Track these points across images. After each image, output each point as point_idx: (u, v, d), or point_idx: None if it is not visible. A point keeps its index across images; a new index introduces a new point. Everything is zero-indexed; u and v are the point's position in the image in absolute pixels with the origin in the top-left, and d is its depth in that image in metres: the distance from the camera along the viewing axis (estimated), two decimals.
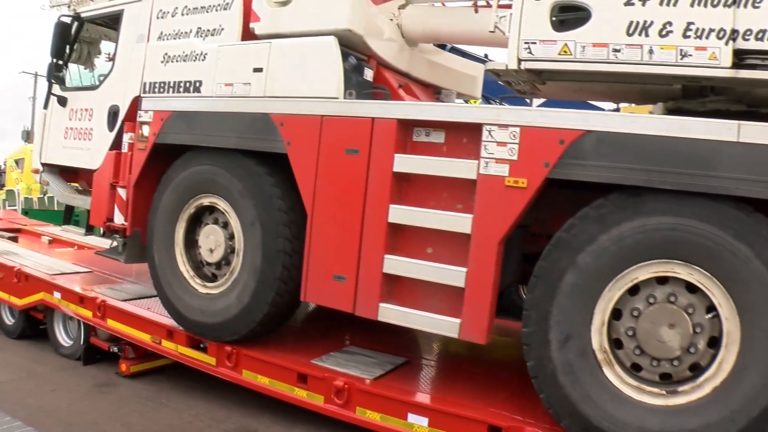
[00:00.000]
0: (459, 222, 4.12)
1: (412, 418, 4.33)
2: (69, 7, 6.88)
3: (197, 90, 5.26)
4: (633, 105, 7.63)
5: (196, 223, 5.37)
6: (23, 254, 8.00)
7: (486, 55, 8.59)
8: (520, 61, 4.13)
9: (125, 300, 6.13)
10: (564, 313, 3.81)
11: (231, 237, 5.08)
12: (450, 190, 4.26)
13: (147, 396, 5.77)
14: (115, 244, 6.08)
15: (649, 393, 3.70)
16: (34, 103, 36.68)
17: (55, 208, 16.36)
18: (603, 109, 6.80)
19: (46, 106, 6.87)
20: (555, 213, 4.41)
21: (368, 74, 4.86)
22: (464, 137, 4.24)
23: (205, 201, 5.20)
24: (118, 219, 5.80)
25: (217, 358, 5.25)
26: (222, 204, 5.08)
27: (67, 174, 6.88)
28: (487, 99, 7.65)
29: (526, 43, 4.10)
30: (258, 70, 4.88)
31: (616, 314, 3.78)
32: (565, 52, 4.03)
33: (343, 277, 4.48)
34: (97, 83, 6.39)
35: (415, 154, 4.35)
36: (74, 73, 6.89)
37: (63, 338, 6.98)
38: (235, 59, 5.07)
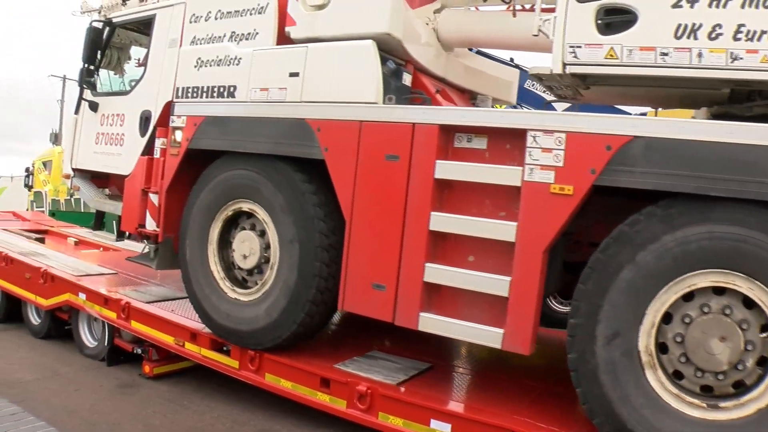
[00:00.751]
0: (503, 230, 4.03)
1: (435, 424, 4.29)
2: (99, 12, 6.89)
3: (231, 95, 5.21)
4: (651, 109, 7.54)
5: (231, 225, 5.32)
6: (50, 255, 8.13)
7: (511, 59, 8.49)
8: (564, 65, 4.05)
9: (149, 302, 6.17)
10: (615, 309, 3.70)
11: (267, 247, 5.04)
12: (493, 197, 4.17)
13: (169, 398, 5.81)
14: (146, 249, 6.04)
15: (688, 403, 3.60)
16: (62, 106, 37.13)
17: (82, 210, 16.59)
18: (628, 113, 6.70)
19: (77, 112, 6.88)
20: (598, 220, 4.33)
21: (407, 79, 4.79)
22: (507, 143, 4.15)
23: (244, 206, 5.14)
24: (150, 225, 5.77)
25: (240, 362, 5.26)
26: (261, 213, 5.02)
27: (98, 179, 6.88)
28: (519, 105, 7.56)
29: (571, 47, 4.02)
30: (294, 74, 4.83)
31: (666, 318, 3.67)
32: (611, 56, 3.95)
33: (383, 286, 4.41)
34: (129, 88, 6.37)
35: (456, 160, 4.27)
36: (105, 78, 6.88)
37: (87, 339, 7.06)
38: (270, 64, 5.02)
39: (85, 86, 6.58)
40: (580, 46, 4.00)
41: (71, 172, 6.89)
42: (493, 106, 6.04)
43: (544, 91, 12.24)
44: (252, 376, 5.18)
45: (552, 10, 4.17)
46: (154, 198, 5.73)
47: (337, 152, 4.60)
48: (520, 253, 3.97)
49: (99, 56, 6.61)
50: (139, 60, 7.20)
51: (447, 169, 4.22)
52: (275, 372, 5.06)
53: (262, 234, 5.06)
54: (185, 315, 5.88)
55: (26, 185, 19.05)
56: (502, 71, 6.18)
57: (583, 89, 4.41)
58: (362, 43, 4.57)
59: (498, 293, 4.03)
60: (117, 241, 6.88)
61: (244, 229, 5.18)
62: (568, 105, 6.24)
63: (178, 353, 5.77)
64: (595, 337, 3.75)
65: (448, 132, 4.30)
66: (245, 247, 5.12)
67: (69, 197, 17.05)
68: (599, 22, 3.96)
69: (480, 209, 4.22)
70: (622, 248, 3.71)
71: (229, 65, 5.25)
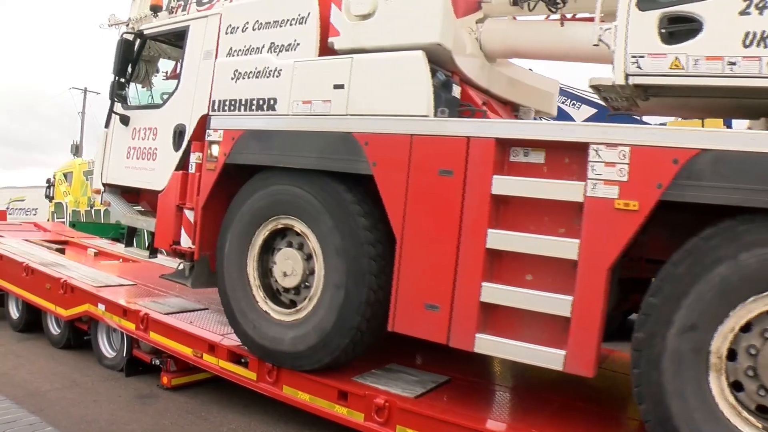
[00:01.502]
0: (565, 247, 3.87)
1: None
2: (128, 25, 6.79)
3: (272, 108, 5.08)
4: (678, 119, 7.36)
5: (271, 242, 5.18)
6: (70, 266, 8.23)
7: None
8: (627, 76, 3.90)
9: (168, 313, 6.16)
10: (700, 301, 3.52)
11: (310, 266, 4.89)
12: (551, 214, 4.01)
13: (187, 409, 5.80)
14: (180, 267, 5.90)
15: (743, 419, 3.44)
16: (83, 118, 38.10)
17: (102, 221, 16.80)
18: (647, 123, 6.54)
19: (107, 125, 6.76)
20: (656, 236, 4.18)
21: (456, 91, 4.64)
22: (566, 157, 4.00)
23: (286, 223, 5.00)
24: (185, 242, 5.63)
25: (257, 374, 5.22)
26: (304, 230, 4.88)
27: (128, 194, 6.75)
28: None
29: (633, 57, 3.87)
30: (339, 86, 4.69)
31: (745, 327, 3.49)
32: (676, 66, 3.80)
33: (436, 306, 4.25)
34: (161, 101, 6.24)
35: (512, 175, 4.11)
36: (134, 91, 6.77)
37: (106, 349, 7.10)
38: (313, 75, 4.89)
39: (116, 99, 6.45)
40: (643, 56, 3.85)
41: (101, 187, 6.77)
42: (535, 119, 5.91)
43: (563, 102, 12.13)
44: (270, 388, 5.15)
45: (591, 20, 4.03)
46: (189, 214, 5.60)
47: (387, 167, 4.45)
48: (584, 271, 3.80)
49: (130, 69, 6.48)
50: (166, 73, 7.11)
51: (505, 185, 4.07)
52: (293, 384, 5.03)
53: (305, 252, 4.91)
54: (203, 327, 5.90)
55: (47, 196, 19.19)
56: (541, 82, 6.03)
57: (642, 100, 4.26)
58: (412, 54, 4.42)
59: (559, 313, 3.87)
60: (150, 258, 6.73)
61: (289, 245, 5.02)
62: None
63: (196, 365, 5.76)
64: (672, 322, 3.58)
65: (503, 146, 4.15)
66: (287, 265, 4.97)
67: (89, 208, 17.22)
68: (662, 31, 3.81)
69: (538, 226, 4.06)
70: (724, 243, 3.50)
71: (268, 77, 5.11)
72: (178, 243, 5.70)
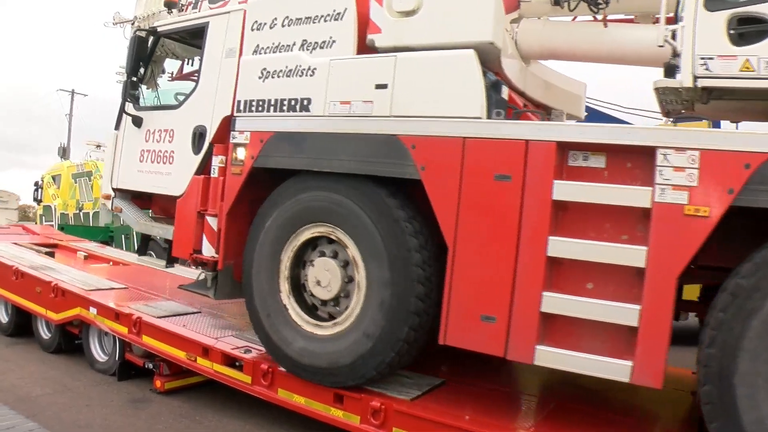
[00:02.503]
0: (632, 255, 3.72)
1: None
2: (133, 24, 6.45)
3: (305, 108, 4.82)
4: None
5: (306, 250, 4.92)
6: (60, 269, 8.13)
7: None
8: (696, 78, 3.78)
9: (161, 317, 6.08)
10: None
11: (349, 277, 4.67)
12: (614, 220, 3.85)
13: (181, 413, 5.71)
14: (201, 277, 5.59)
15: None
16: (70, 120, 37.47)
17: (90, 224, 16.53)
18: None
19: (117, 127, 6.40)
20: (712, 242, 4.07)
21: (505, 92, 4.45)
22: (628, 162, 3.86)
23: (321, 231, 4.75)
24: (208, 251, 5.33)
25: (252, 377, 5.15)
26: (343, 239, 4.63)
27: (139, 200, 6.41)
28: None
29: (702, 59, 3.75)
30: (381, 86, 4.47)
31: None
32: (747, 68, 3.70)
33: (493, 318, 4.05)
34: (176, 102, 5.91)
35: (571, 179, 3.95)
36: (147, 91, 6.42)
37: (98, 353, 6.98)
38: (352, 74, 4.65)
39: (128, 100, 6.09)
40: (712, 58, 3.75)
41: (111, 192, 6.40)
42: None
43: None
44: (265, 392, 5.08)
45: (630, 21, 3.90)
46: (212, 221, 5.30)
47: (437, 172, 4.24)
48: (652, 279, 3.66)
49: (143, 68, 6.14)
50: (172, 73, 6.79)
51: (567, 190, 3.90)
52: (288, 387, 4.96)
53: (344, 261, 4.68)
54: (197, 330, 5.83)
55: (35, 199, 18.81)
56: (570, 84, 5.90)
57: (702, 103, 4.15)
58: (464, 53, 4.22)
59: (626, 323, 3.72)
60: (167, 267, 6.39)
61: (322, 255, 4.77)
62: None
63: (190, 368, 5.67)
64: (750, 327, 3.45)
65: (563, 149, 3.98)
66: (324, 276, 4.72)
67: (77, 211, 16.88)
68: (731, 32, 3.71)
69: (598, 232, 3.90)
70: None
71: (301, 76, 4.86)
72: (200, 252, 5.40)
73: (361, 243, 4.50)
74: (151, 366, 6.20)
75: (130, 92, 6.03)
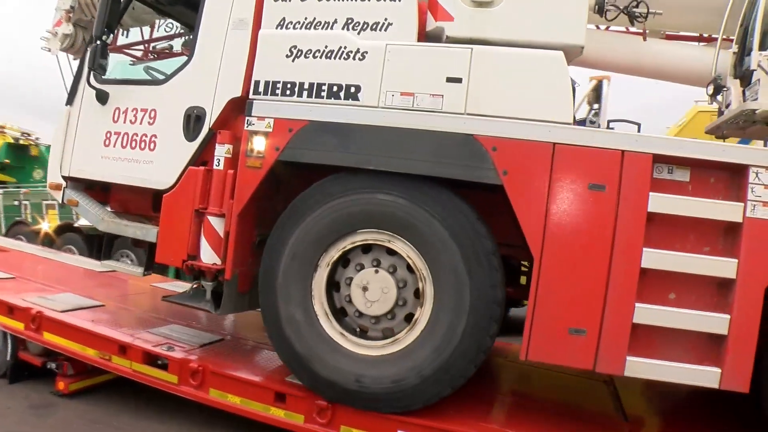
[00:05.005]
0: (723, 267, 3.85)
1: None
2: None
3: (352, 97, 4.21)
4: None
5: (345, 262, 4.37)
6: None
7: None
8: None
9: (64, 311, 5.49)
10: None
11: (403, 287, 4.24)
12: (698, 232, 3.96)
13: (93, 418, 5.13)
14: (194, 287, 4.67)
15: None
16: None
17: None
18: None
19: (70, 102, 5.04)
20: None
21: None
22: (712, 177, 3.98)
23: (374, 239, 4.23)
24: (208, 257, 4.44)
25: (179, 376, 4.80)
26: (404, 249, 4.17)
27: (91, 190, 5.12)
28: None
29: None
30: (455, 80, 4.06)
31: None
32: None
33: (583, 331, 3.94)
34: (160, 76, 4.79)
35: (656, 191, 3.97)
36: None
37: None
38: (416, 64, 4.15)
39: (94, 69, 4.78)
40: None
41: (61, 182, 5.01)
42: None
43: None
44: (194, 392, 4.73)
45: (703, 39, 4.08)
46: (215, 222, 4.42)
47: (522, 177, 3.98)
48: (742, 289, 3.82)
49: (114, 29, 4.88)
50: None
51: (661, 203, 3.89)
52: (221, 387, 4.67)
53: (398, 274, 4.25)
54: (109, 325, 5.34)
55: None
56: None
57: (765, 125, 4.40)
58: (554, 54, 3.99)
59: (716, 331, 3.85)
60: (145, 275, 5.19)
61: (375, 265, 4.26)
62: None
63: (103, 368, 5.15)
64: None
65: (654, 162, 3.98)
66: (374, 289, 4.21)
67: None
68: None
69: (682, 244, 3.99)
70: None
71: (347, 59, 4.23)
72: (196, 258, 4.49)
73: (431, 256, 4.08)
74: (53, 366, 5.50)
75: (99, 60, 4.74)
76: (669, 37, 5.26)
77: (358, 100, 4.22)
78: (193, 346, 5.08)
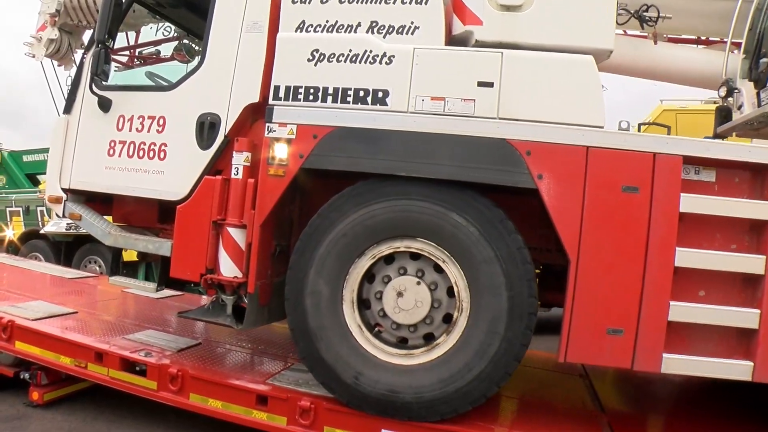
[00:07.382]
0: (752, 263, 3.97)
1: None
2: None
3: (380, 102, 4.11)
4: None
5: (389, 259, 4.26)
6: None
7: None
8: None
9: (36, 319, 5.37)
10: None
11: (436, 295, 4.18)
12: (725, 231, 4.07)
13: (70, 429, 5.02)
14: (212, 301, 4.43)
15: None
16: None
17: None
18: None
19: (68, 110, 4.69)
20: None
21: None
22: (736, 177, 4.10)
23: (408, 246, 4.13)
24: (229, 270, 4.24)
25: (158, 382, 4.74)
26: (440, 257, 4.11)
27: (92, 203, 4.79)
28: None
29: None
30: (486, 84, 4.02)
31: None
32: None
33: (620, 330, 3.98)
34: (168, 83, 4.52)
35: (684, 191, 4.05)
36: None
37: None
38: (446, 67, 4.09)
39: (97, 75, 4.45)
40: None
41: (62, 194, 4.64)
42: None
43: None
44: (173, 398, 4.69)
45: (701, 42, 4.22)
46: (235, 234, 4.23)
47: (557, 181, 3.98)
48: None
49: (116, 33, 4.57)
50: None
51: (692, 203, 3.98)
52: (201, 391, 4.63)
53: (430, 282, 4.18)
54: (83, 332, 5.29)
55: None
56: None
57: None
58: (584, 59, 4.01)
59: (747, 326, 3.97)
60: (158, 290, 4.86)
61: (402, 273, 4.18)
62: None
63: (78, 376, 5.09)
64: None
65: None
66: (408, 298, 4.13)
67: None
68: None
69: (710, 242, 4.09)
70: None
71: (373, 63, 4.13)
72: (214, 271, 4.27)
73: (468, 263, 4.04)
74: (27, 376, 5.33)
75: (105, 65, 4.42)
76: (670, 41, 5.39)
77: (387, 105, 4.12)
78: (170, 351, 5.00)
